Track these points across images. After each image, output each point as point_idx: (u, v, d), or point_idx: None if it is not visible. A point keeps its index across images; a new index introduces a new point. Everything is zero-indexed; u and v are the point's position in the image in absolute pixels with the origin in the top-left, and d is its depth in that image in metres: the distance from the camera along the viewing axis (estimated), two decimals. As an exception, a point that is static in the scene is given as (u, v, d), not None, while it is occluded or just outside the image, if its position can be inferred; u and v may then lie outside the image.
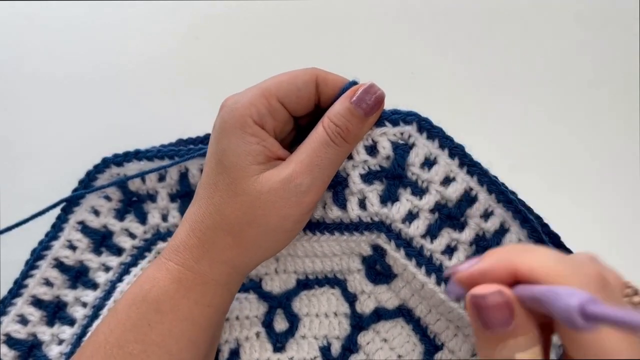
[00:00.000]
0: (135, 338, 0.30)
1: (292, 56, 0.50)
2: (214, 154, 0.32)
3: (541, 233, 0.32)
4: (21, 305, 0.39)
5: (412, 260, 0.34)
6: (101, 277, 0.40)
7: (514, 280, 0.22)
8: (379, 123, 0.33)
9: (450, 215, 0.33)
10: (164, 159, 0.39)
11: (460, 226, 0.33)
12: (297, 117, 0.34)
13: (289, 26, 0.52)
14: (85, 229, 0.40)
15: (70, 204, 0.41)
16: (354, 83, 0.33)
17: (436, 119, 0.33)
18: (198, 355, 0.32)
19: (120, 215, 0.41)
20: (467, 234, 0.33)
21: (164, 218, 0.40)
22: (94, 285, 0.40)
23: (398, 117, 0.33)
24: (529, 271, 0.21)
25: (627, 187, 0.47)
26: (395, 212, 0.33)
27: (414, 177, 0.33)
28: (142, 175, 0.39)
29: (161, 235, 0.40)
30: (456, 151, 0.33)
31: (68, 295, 0.40)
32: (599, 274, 0.21)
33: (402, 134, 0.33)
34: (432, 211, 0.33)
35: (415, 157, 0.33)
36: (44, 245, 0.40)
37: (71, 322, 0.39)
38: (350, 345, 0.37)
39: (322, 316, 0.38)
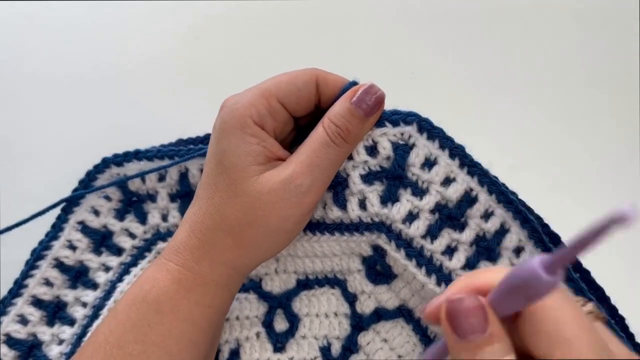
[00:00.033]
0: (135, 338, 0.30)
1: (292, 56, 0.49)
2: (214, 154, 0.32)
3: (541, 233, 0.33)
4: (21, 305, 0.39)
5: (412, 260, 0.34)
6: (101, 277, 0.40)
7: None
8: (379, 123, 0.33)
9: (450, 216, 0.33)
10: (164, 159, 0.39)
11: (461, 227, 0.33)
12: (297, 118, 0.34)
13: (289, 26, 0.52)
14: (85, 229, 0.40)
15: (70, 204, 0.41)
16: (354, 83, 0.33)
17: (436, 119, 0.33)
18: (198, 355, 0.32)
19: (120, 215, 0.41)
20: (468, 235, 0.33)
21: (164, 218, 0.40)
22: (94, 285, 0.40)
23: (398, 118, 0.33)
24: (489, 285, 0.21)
25: (627, 187, 0.47)
26: (396, 212, 0.33)
27: (415, 178, 0.33)
28: (142, 175, 0.39)
29: (161, 236, 0.40)
30: (456, 152, 0.33)
31: (68, 295, 0.40)
32: None
33: (402, 134, 0.33)
34: (432, 212, 0.33)
35: (415, 158, 0.33)
36: (44, 245, 0.40)
37: (71, 322, 0.39)
38: (351, 345, 0.37)
39: (322, 316, 0.38)
